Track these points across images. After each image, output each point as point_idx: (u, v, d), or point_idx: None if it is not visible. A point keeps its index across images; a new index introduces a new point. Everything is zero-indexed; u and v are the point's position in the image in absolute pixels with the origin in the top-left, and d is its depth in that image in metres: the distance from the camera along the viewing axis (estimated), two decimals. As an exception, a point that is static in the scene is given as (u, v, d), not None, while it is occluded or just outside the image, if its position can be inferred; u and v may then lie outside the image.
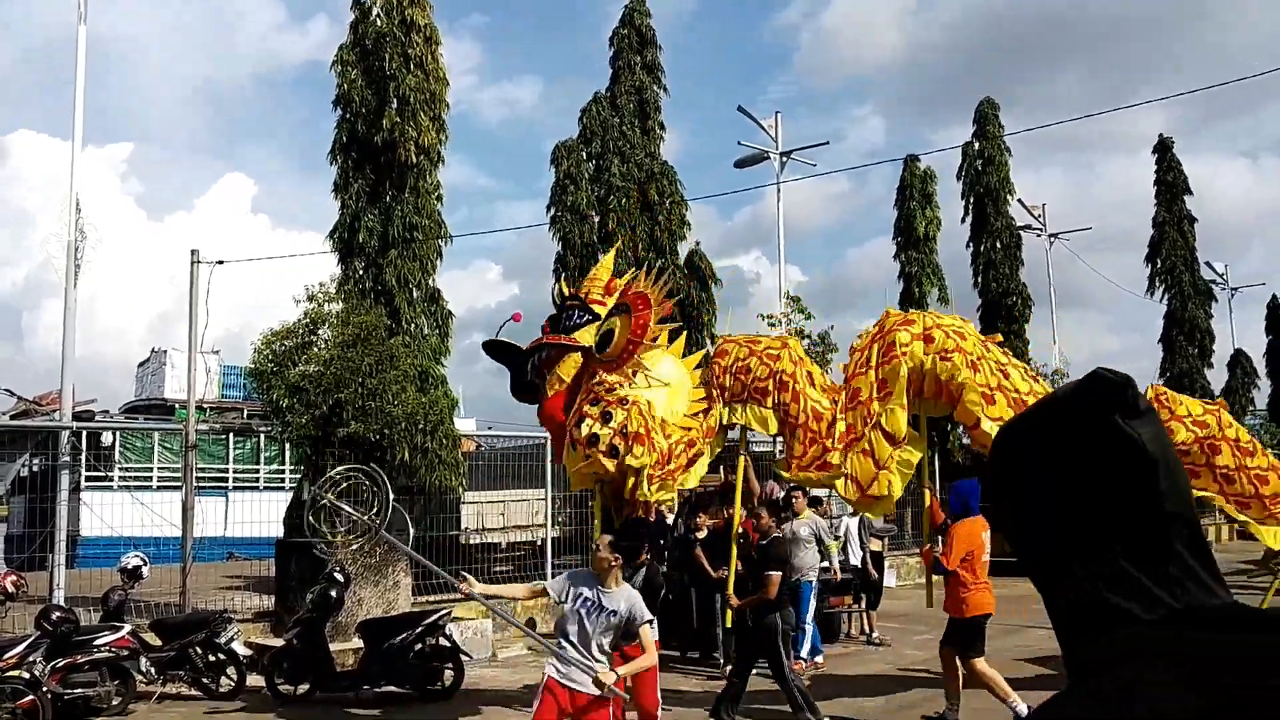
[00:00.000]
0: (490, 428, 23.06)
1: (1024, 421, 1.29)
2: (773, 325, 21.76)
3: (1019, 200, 30.67)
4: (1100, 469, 1.17)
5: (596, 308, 9.40)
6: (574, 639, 6.09)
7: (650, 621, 6.25)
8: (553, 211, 21.09)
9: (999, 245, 29.03)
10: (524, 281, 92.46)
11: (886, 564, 16.92)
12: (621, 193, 20.69)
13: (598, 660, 6.04)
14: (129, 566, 11.77)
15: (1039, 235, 33.46)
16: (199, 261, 14.62)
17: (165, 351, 29.83)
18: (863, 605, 14.70)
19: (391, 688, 10.81)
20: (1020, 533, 1.29)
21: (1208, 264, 38.20)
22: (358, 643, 11.58)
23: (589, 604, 6.11)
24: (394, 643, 10.73)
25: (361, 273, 15.33)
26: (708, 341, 20.26)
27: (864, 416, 9.39)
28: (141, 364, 32.41)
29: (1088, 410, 1.19)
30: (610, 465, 8.58)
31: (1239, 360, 38.98)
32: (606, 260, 10.64)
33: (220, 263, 14.69)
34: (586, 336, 9.17)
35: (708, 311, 19.91)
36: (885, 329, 9.79)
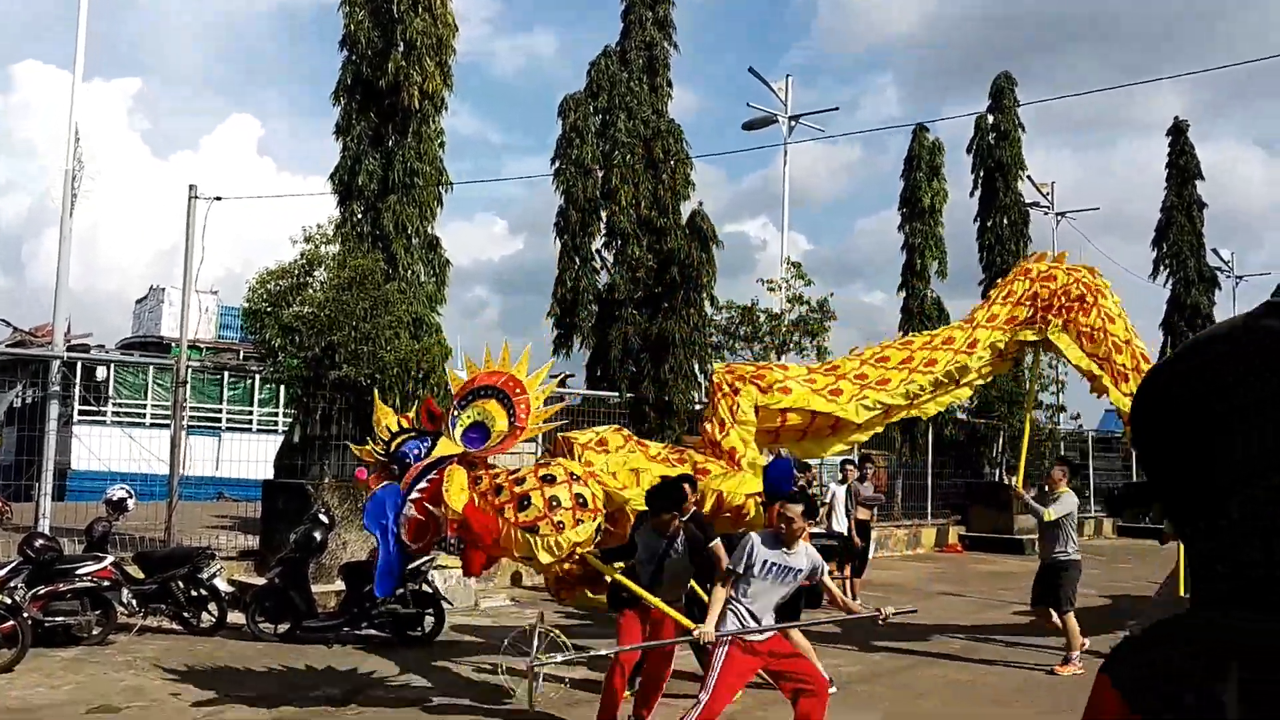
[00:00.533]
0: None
1: (1185, 359, 1.12)
2: (772, 290, 21.68)
3: (1028, 177, 30.45)
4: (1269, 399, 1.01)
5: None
6: (749, 604, 6.47)
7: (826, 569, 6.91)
8: (557, 165, 20.93)
9: (1006, 221, 28.87)
10: (529, 236, 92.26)
11: (874, 534, 16.95)
12: (626, 149, 20.53)
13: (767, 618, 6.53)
14: (114, 498, 11.75)
15: (1046, 214, 33.26)
16: (197, 197, 14.51)
17: (163, 289, 29.76)
18: (847, 573, 14.70)
19: (371, 632, 10.83)
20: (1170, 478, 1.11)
21: (1214, 251, 38.11)
22: (340, 585, 11.59)
23: (776, 568, 6.48)
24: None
25: (360, 216, 15.23)
26: (706, 303, 20.19)
27: None
28: (139, 301, 32.32)
29: (1261, 337, 1.04)
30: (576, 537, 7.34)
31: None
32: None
33: (218, 199, 14.59)
34: (449, 447, 7.35)
35: (708, 273, 19.77)
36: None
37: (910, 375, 9.94)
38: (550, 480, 7.28)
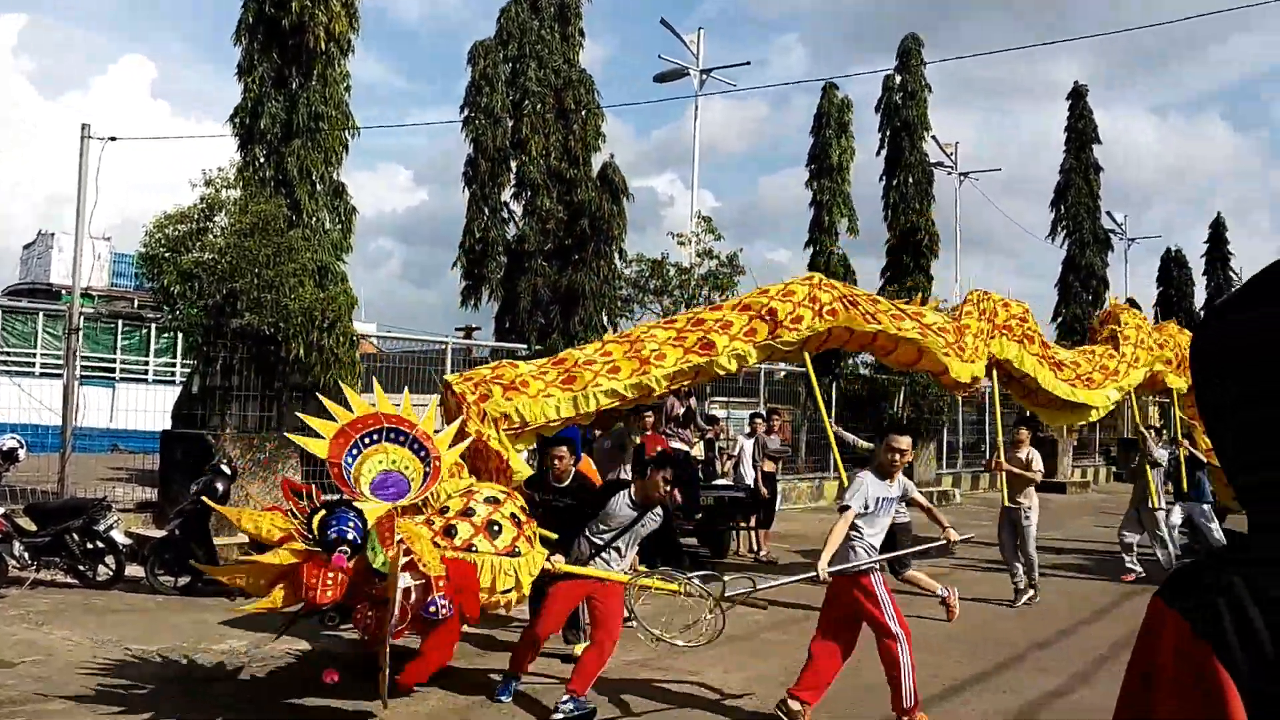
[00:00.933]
0: (390, 332, 22.66)
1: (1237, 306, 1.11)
2: (682, 244, 21.70)
3: (933, 137, 30.86)
4: None
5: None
6: (871, 538, 6.97)
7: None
8: (466, 113, 20.60)
9: (911, 180, 29.22)
10: (434, 187, 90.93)
11: (779, 486, 17.17)
12: (537, 98, 20.29)
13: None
14: (4, 448, 11.32)
15: (950, 174, 33.81)
16: (89, 137, 13.93)
17: (53, 234, 28.66)
18: (753, 524, 14.89)
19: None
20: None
21: (1108, 214, 39.21)
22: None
23: (887, 501, 7.04)
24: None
25: (262, 160, 14.77)
26: (616, 257, 20.12)
27: None
28: (27, 246, 31.10)
29: None
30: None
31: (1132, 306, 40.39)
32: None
33: (113, 139, 14.03)
34: (376, 510, 6.40)
35: (618, 225, 19.72)
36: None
37: (643, 367, 9.22)
38: (496, 501, 6.99)
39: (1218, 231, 50.65)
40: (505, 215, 21.39)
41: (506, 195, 21.31)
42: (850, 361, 24.74)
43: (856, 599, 6.76)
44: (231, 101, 15.44)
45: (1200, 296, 48.08)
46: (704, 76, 24.61)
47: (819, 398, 11.11)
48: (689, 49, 24.38)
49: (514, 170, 20.92)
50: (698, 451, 15.46)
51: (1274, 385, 1.00)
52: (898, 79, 29.05)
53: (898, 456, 6.94)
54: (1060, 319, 35.97)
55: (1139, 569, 13.19)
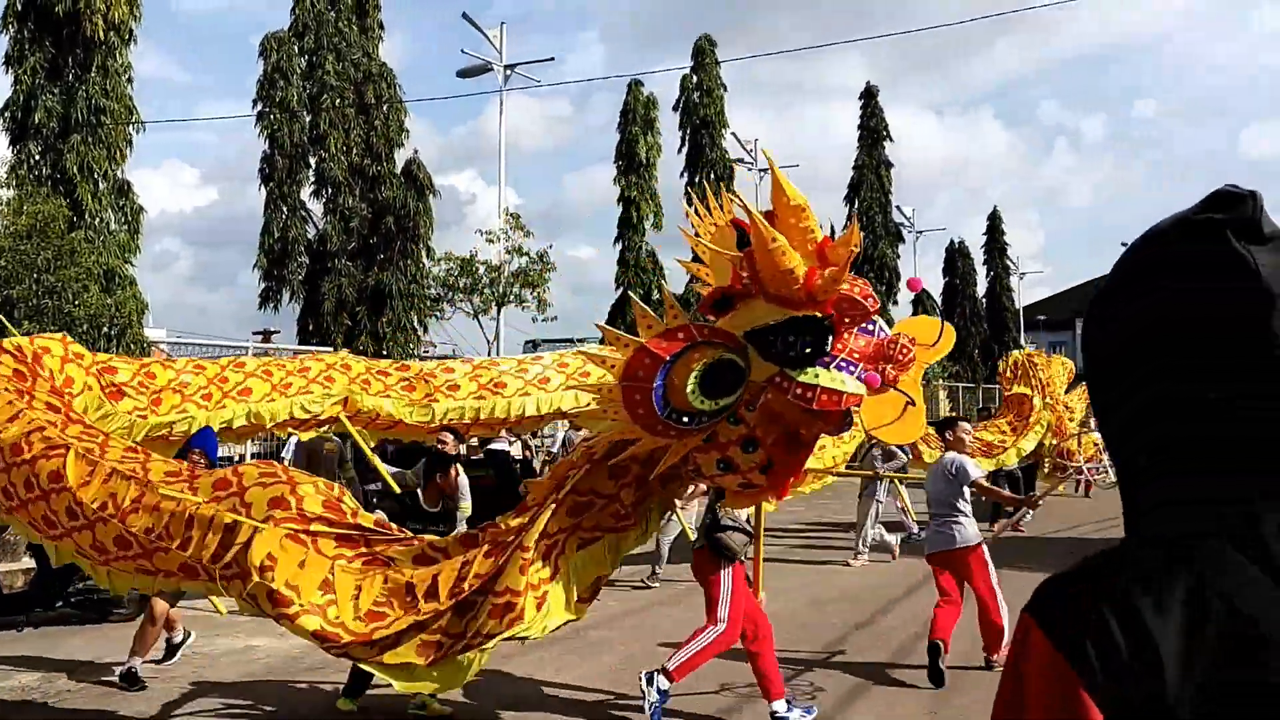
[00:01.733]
0: (182, 338, 21.52)
1: (1126, 261, 1.05)
2: (491, 241, 21.42)
3: (733, 134, 31.55)
4: (1203, 312, 0.95)
5: None
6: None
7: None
8: (260, 107, 19.75)
9: (713, 177, 29.80)
10: (225, 186, 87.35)
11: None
12: (336, 92, 19.65)
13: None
14: None
15: (750, 170, 34.61)
16: None
17: None
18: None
19: (69, 611, 9.91)
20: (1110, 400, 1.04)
21: (898, 208, 40.99)
22: (29, 562, 10.53)
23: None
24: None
25: (38, 158, 13.80)
26: (424, 255, 19.69)
27: None
28: None
29: (1195, 234, 0.96)
30: None
31: (921, 298, 42.41)
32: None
33: None
34: None
35: (425, 223, 19.29)
36: None
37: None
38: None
39: (995, 223, 53.67)
40: (305, 214, 20.62)
41: (306, 193, 20.57)
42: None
43: None
44: (0, 95, 14.34)
45: (982, 285, 50.84)
46: (508, 72, 24.33)
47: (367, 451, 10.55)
48: (492, 44, 24.06)
49: (313, 167, 20.18)
50: (516, 450, 15.31)
51: (1188, 360, 0.95)
52: (694, 78, 29.60)
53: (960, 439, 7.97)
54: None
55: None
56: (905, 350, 4.62)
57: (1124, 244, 1.10)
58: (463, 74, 23.80)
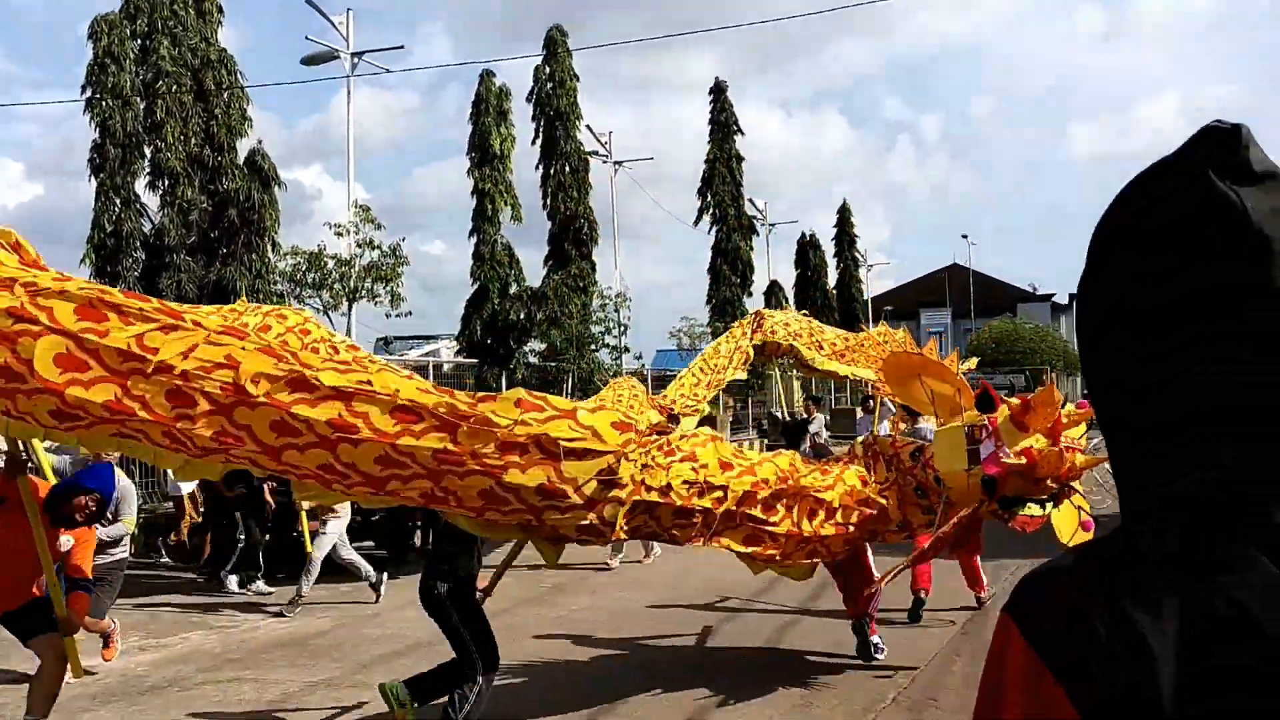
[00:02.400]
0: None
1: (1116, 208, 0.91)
2: (340, 234, 20.71)
3: (587, 126, 31.38)
4: (1189, 258, 0.82)
5: None
6: None
7: None
8: (89, 94, 18.64)
9: (568, 169, 29.55)
10: (52, 180, 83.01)
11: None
12: (172, 79, 18.68)
13: None
14: None
15: (605, 162, 34.49)
16: None
17: None
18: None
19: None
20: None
21: (750, 201, 41.53)
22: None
23: None
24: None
25: None
26: (269, 249, 18.90)
27: None
28: None
29: (1181, 174, 0.83)
30: None
31: (774, 290, 43.27)
32: None
33: None
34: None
35: (270, 215, 18.52)
36: None
37: None
38: None
39: (844, 216, 54.91)
40: (140, 207, 19.57)
41: (141, 185, 19.52)
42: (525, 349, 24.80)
43: None
44: None
45: (833, 277, 51.90)
46: (356, 60, 23.59)
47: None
48: (338, 30, 23.29)
49: (149, 157, 19.16)
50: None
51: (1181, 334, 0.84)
52: (546, 68, 29.32)
53: None
54: (712, 302, 37.83)
55: None
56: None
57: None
58: (307, 61, 22.95)
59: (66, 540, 6.18)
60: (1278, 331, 0.80)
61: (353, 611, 9.98)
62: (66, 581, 6.09)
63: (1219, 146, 0.83)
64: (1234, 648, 0.76)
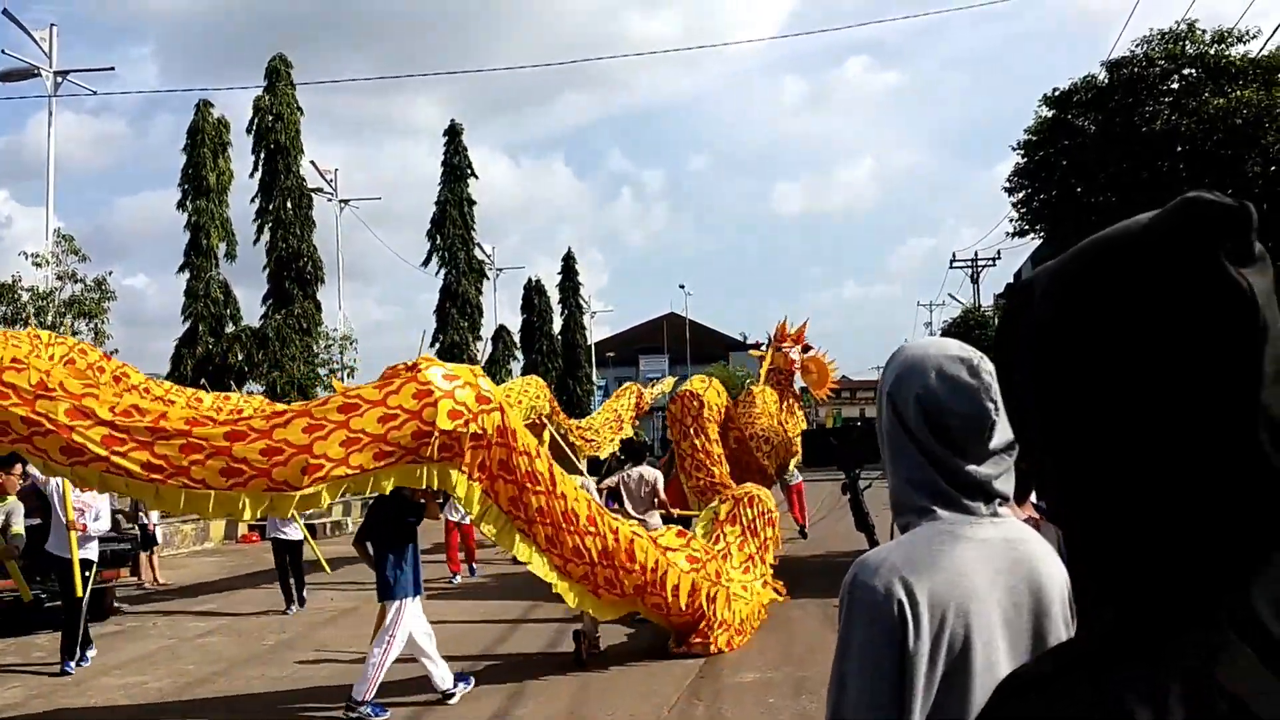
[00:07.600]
0: None
1: (1071, 275, 0.81)
2: (38, 265, 19.15)
3: (312, 162, 30.49)
4: (1181, 340, 0.74)
5: None
6: None
7: None
8: None
9: (289, 205, 28.56)
10: None
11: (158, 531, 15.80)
12: None
13: None
14: None
15: (330, 200, 33.59)
16: None
17: None
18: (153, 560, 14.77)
19: None
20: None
21: (479, 245, 41.54)
22: None
23: None
24: None
25: None
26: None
27: None
28: None
29: (1174, 248, 0.74)
30: None
31: (501, 334, 43.37)
32: None
33: None
34: None
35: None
36: None
37: None
38: None
39: (569, 263, 55.76)
40: None
41: None
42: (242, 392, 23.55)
43: None
44: None
45: (558, 323, 52.52)
46: (59, 79, 21.98)
47: None
48: (40, 46, 21.65)
49: None
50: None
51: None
52: (268, 98, 28.29)
53: None
54: (439, 345, 37.38)
55: None
56: None
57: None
58: (5, 77, 21.24)
59: None
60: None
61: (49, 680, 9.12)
62: None
63: (1221, 221, 0.73)
64: None
